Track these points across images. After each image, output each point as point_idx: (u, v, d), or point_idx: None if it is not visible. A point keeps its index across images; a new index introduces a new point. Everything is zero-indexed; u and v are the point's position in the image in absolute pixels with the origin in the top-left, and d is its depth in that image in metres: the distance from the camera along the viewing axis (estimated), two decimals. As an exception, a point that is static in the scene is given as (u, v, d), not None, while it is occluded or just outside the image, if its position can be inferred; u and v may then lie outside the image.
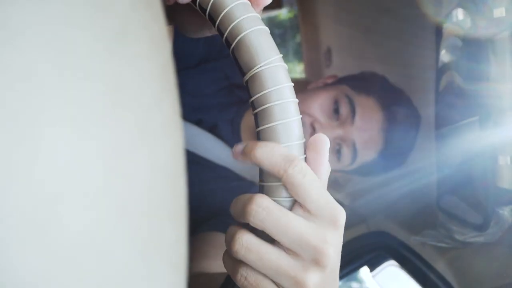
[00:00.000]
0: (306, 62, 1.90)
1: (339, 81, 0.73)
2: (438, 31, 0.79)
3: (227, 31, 0.27)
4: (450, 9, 0.75)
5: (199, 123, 0.71)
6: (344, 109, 0.64)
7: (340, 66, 1.45)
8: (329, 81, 0.74)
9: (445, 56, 0.77)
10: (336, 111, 0.64)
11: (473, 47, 0.70)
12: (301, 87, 1.42)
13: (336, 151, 0.65)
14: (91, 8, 0.12)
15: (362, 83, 0.70)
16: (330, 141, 0.63)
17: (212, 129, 0.71)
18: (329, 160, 0.66)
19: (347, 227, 1.20)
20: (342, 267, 1.04)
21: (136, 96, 0.13)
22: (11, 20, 0.10)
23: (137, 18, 0.13)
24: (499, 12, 0.63)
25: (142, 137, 0.13)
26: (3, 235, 0.10)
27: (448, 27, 0.75)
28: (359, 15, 1.21)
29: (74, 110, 0.11)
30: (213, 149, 0.69)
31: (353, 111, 0.64)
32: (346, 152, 0.64)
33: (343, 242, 1.12)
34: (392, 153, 0.68)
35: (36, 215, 0.10)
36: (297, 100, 0.28)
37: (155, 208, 0.14)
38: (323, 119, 0.64)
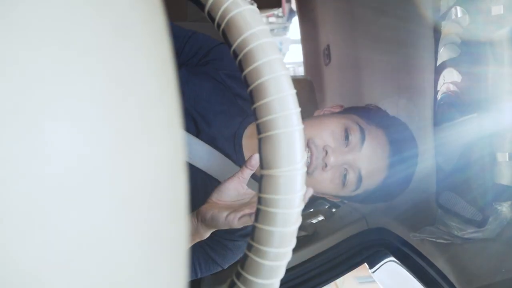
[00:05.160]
0: (305, 60, 1.90)
1: (347, 110, 0.76)
2: (436, 29, 0.79)
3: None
4: (448, 7, 0.75)
5: (200, 132, 0.71)
6: (354, 137, 0.66)
7: (339, 64, 1.45)
8: (336, 110, 0.77)
9: (443, 53, 0.77)
10: (347, 137, 0.67)
11: (472, 45, 0.70)
12: (302, 86, 1.42)
13: (343, 177, 0.67)
14: (91, 3, 0.12)
15: (370, 114, 0.72)
16: (339, 166, 0.66)
17: (213, 141, 0.71)
18: (334, 185, 0.67)
19: (347, 224, 1.21)
20: (341, 264, 1.05)
21: (137, 90, 0.13)
22: (12, 15, 0.10)
23: (137, 13, 0.13)
24: (497, 9, 0.64)
25: (143, 133, 0.13)
26: (5, 231, 0.10)
27: (446, 25, 0.75)
28: (358, 13, 1.21)
29: (75, 105, 0.11)
30: (213, 162, 0.70)
31: (362, 139, 0.66)
32: (351, 178, 0.66)
33: (343, 239, 1.14)
34: (393, 184, 0.70)
35: (38, 211, 0.10)
36: (282, 57, 0.29)
37: (157, 204, 0.14)
38: (334, 144, 0.66)
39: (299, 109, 0.27)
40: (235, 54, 0.28)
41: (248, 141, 0.71)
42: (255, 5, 0.28)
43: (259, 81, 0.27)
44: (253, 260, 0.27)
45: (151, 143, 0.14)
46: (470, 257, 0.77)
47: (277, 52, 0.27)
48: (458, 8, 0.71)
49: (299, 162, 0.27)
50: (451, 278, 0.79)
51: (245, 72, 0.27)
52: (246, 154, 0.71)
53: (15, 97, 0.10)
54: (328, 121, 0.69)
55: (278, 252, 0.27)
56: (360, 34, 1.21)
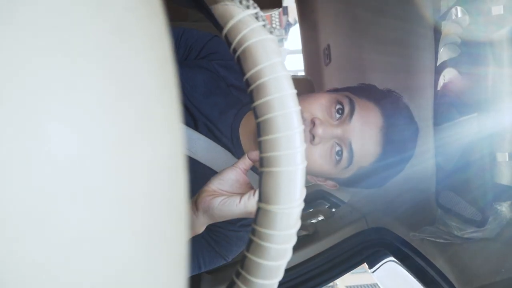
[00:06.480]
0: (306, 59, 1.90)
1: (340, 89, 0.74)
2: (436, 29, 0.79)
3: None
4: (448, 6, 0.75)
5: (198, 125, 0.71)
6: (344, 109, 0.65)
7: (339, 64, 1.45)
8: (330, 90, 0.75)
9: (443, 53, 0.77)
10: (337, 111, 0.65)
11: (472, 45, 0.70)
12: (302, 86, 1.42)
13: (336, 153, 0.64)
14: (92, 4, 0.12)
15: (363, 90, 0.70)
16: (328, 139, 0.64)
17: (211, 134, 0.71)
18: (325, 161, 0.65)
19: (347, 224, 1.21)
20: (341, 264, 1.05)
21: (137, 89, 0.13)
22: (14, 15, 0.10)
23: (137, 13, 0.13)
24: (497, 9, 0.64)
25: (143, 131, 0.13)
26: (5, 230, 0.10)
27: (446, 25, 0.75)
28: (358, 14, 1.21)
29: (75, 104, 0.11)
30: (212, 154, 0.69)
31: (352, 110, 0.64)
32: (345, 154, 0.64)
33: (343, 239, 1.13)
34: (389, 163, 0.67)
35: (38, 209, 0.10)
36: (295, 91, 0.28)
37: (156, 202, 0.14)
38: (322, 117, 0.64)
39: (304, 147, 0.27)
40: (248, 84, 0.28)
41: (245, 131, 0.70)
42: (274, 32, 0.28)
43: (268, 116, 0.27)
44: None
45: (150, 142, 0.14)
46: (470, 257, 0.77)
47: (290, 88, 0.27)
48: (458, 8, 0.71)
49: (298, 199, 0.27)
50: (451, 278, 0.79)
51: (256, 103, 0.27)
52: (244, 143, 0.70)
53: (15, 97, 0.10)
54: (319, 96, 0.68)
55: (264, 284, 0.28)
56: (360, 34, 1.21)
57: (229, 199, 0.49)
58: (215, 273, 1.06)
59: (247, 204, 0.48)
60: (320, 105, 0.65)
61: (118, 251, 0.13)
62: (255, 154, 0.51)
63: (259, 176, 0.28)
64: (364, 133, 0.64)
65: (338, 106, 0.65)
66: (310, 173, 0.69)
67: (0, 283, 0.10)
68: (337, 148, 0.64)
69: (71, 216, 0.11)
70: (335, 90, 0.73)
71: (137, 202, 0.13)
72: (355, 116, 0.64)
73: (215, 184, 0.51)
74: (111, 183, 0.12)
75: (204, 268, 0.73)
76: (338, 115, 0.65)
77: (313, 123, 0.63)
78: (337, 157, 0.64)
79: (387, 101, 0.68)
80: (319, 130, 0.62)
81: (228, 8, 0.27)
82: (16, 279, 0.10)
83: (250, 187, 0.52)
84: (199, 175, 0.69)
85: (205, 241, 0.72)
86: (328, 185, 0.74)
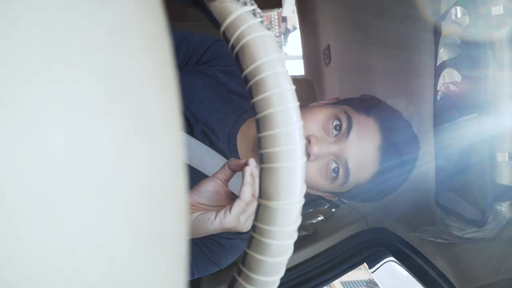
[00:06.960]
0: (305, 59, 1.90)
1: (340, 101, 0.73)
2: (436, 29, 0.79)
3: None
4: (448, 8, 0.75)
5: (194, 131, 0.69)
6: (341, 126, 0.63)
7: (339, 63, 1.45)
8: (330, 102, 0.74)
9: (443, 54, 0.78)
10: (334, 127, 0.63)
11: (472, 45, 0.70)
12: (302, 86, 1.42)
13: (332, 170, 0.63)
14: (91, 4, 0.12)
15: (363, 104, 0.68)
16: (325, 157, 0.64)
17: (208, 140, 0.70)
18: (321, 177, 0.65)
19: (347, 224, 1.21)
20: (341, 264, 1.05)
21: (136, 91, 0.13)
22: (12, 14, 0.10)
23: (136, 14, 0.13)
24: (497, 10, 0.64)
25: (142, 132, 0.13)
26: (5, 230, 0.10)
27: (446, 25, 0.75)
28: (358, 14, 1.21)
29: (74, 104, 0.11)
30: (208, 161, 0.68)
31: (349, 128, 0.63)
32: (341, 171, 0.63)
33: (343, 239, 1.12)
34: (388, 179, 0.66)
35: (37, 210, 0.10)
36: (294, 87, 0.28)
37: (156, 203, 0.14)
38: (319, 134, 0.64)
39: (304, 142, 0.27)
40: (246, 80, 0.28)
41: (243, 139, 0.69)
42: (272, 30, 0.28)
43: (268, 111, 0.27)
44: (241, 286, 0.28)
45: (150, 143, 0.14)
46: (470, 257, 0.77)
47: (289, 83, 0.27)
48: (458, 8, 0.71)
49: (298, 195, 0.27)
50: (451, 278, 0.79)
51: (255, 100, 0.27)
52: (240, 150, 0.69)
53: (14, 97, 0.10)
54: (316, 111, 0.66)
55: (266, 281, 0.28)
56: (360, 35, 1.21)
57: (204, 215, 0.45)
58: (215, 273, 1.06)
59: (223, 221, 0.44)
60: (317, 120, 0.64)
61: (118, 251, 0.13)
62: (235, 163, 0.47)
63: (260, 173, 0.28)
64: (361, 151, 0.63)
65: (335, 122, 0.64)
66: (307, 187, 0.68)
67: (2, 280, 0.10)
68: (333, 166, 0.63)
69: (71, 217, 0.11)
70: (335, 102, 0.72)
71: (137, 202, 0.13)
72: (352, 134, 0.63)
73: (192, 197, 0.47)
74: (111, 183, 0.12)
75: (198, 275, 0.72)
76: (335, 132, 0.64)
77: (308, 140, 0.62)
78: (333, 174, 0.64)
79: (387, 117, 0.67)
80: (315, 148, 0.61)
81: (226, 5, 0.27)
82: (16, 279, 0.10)
83: (231, 199, 0.48)
84: (193, 181, 0.67)
85: (198, 248, 0.71)
86: (326, 196, 0.73)
